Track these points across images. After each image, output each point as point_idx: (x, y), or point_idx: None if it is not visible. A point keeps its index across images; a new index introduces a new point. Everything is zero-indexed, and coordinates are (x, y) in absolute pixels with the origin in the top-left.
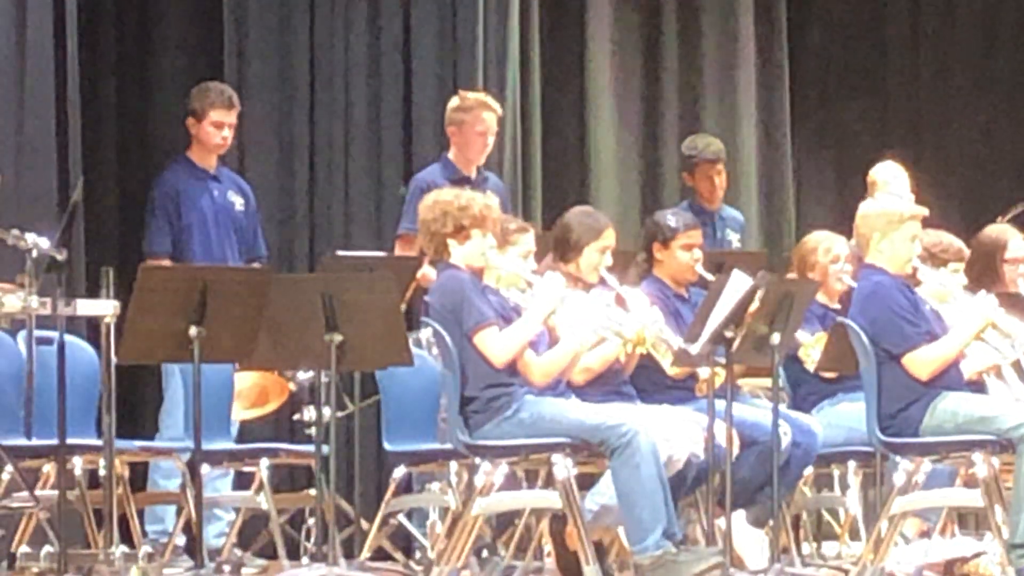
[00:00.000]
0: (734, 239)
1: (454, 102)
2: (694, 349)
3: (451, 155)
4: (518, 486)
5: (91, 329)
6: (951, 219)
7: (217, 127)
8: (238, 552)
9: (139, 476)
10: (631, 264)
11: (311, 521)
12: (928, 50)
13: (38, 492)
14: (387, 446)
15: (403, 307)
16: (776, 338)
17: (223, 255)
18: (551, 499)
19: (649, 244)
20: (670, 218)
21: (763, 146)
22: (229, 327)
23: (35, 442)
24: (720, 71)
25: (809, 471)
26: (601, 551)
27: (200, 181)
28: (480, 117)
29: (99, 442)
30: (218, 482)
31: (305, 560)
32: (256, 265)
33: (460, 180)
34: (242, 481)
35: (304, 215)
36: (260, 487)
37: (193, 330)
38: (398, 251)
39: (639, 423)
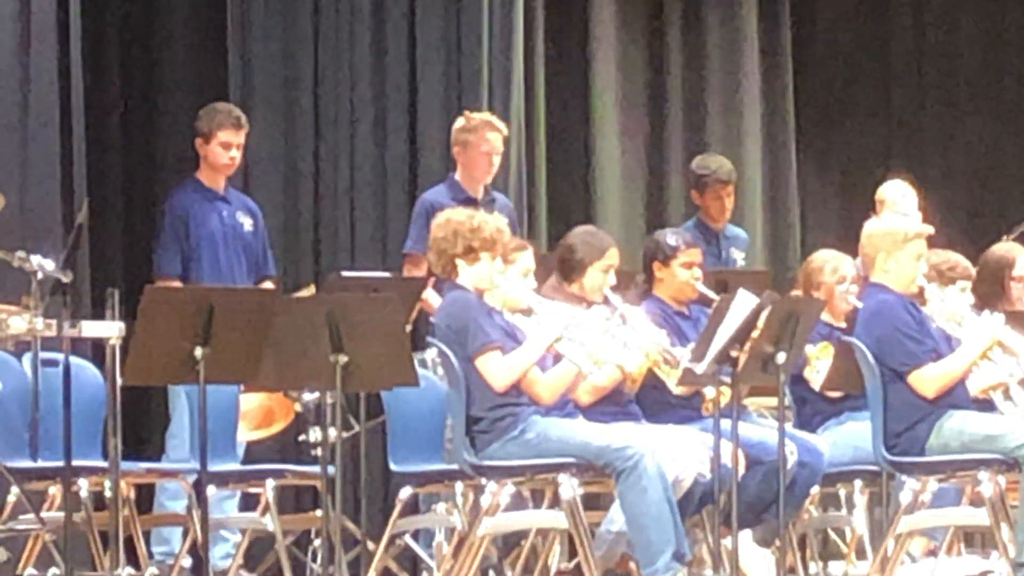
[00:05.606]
0: (738, 258)
1: (459, 122)
2: (700, 368)
3: (457, 175)
4: (524, 506)
5: (96, 351)
6: (956, 237)
7: (225, 147)
8: (244, 574)
9: (145, 498)
10: (631, 285)
11: (317, 542)
12: (932, 69)
13: (44, 514)
14: (393, 467)
15: (409, 327)
16: (782, 357)
17: (232, 276)
18: (557, 519)
19: (649, 263)
20: (669, 236)
21: (768, 165)
22: (234, 348)
23: (41, 464)
24: (725, 90)
25: (815, 490)
26: None
27: (209, 202)
28: (485, 137)
29: (105, 464)
30: (224, 503)
31: None
32: (267, 284)
33: (466, 201)
34: (248, 502)
35: (309, 236)
36: (266, 508)
37: (199, 351)
38: (406, 271)
39: (645, 445)
